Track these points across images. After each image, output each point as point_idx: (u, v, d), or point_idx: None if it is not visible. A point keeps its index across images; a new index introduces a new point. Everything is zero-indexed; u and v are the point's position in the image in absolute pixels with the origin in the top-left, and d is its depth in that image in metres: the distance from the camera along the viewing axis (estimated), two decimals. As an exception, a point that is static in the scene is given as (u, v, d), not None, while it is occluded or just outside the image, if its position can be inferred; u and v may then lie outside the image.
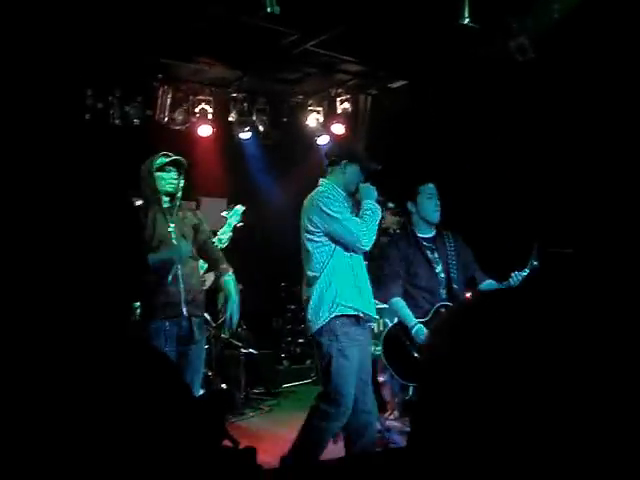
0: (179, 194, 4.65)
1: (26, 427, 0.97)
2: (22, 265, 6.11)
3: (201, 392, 5.06)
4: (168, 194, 4.62)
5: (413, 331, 4.81)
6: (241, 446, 1.50)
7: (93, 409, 0.99)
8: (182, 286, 4.44)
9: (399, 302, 4.91)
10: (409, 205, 5.09)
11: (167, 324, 4.38)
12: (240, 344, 7.18)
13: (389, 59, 6.83)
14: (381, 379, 6.63)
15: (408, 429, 5.73)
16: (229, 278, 4.65)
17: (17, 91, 6.13)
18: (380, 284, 4.94)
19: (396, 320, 5.07)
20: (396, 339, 5.01)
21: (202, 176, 6.66)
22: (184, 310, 4.43)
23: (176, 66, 7.00)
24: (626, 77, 5.55)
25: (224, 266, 4.70)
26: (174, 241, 4.51)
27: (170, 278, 4.42)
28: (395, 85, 7.60)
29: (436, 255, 5.02)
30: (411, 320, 4.85)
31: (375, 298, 4.60)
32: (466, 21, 5.37)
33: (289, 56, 6.65)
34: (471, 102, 6.70)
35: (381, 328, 6.23)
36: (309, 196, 4.51)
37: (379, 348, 6.15)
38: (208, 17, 5.74)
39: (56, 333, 1.06)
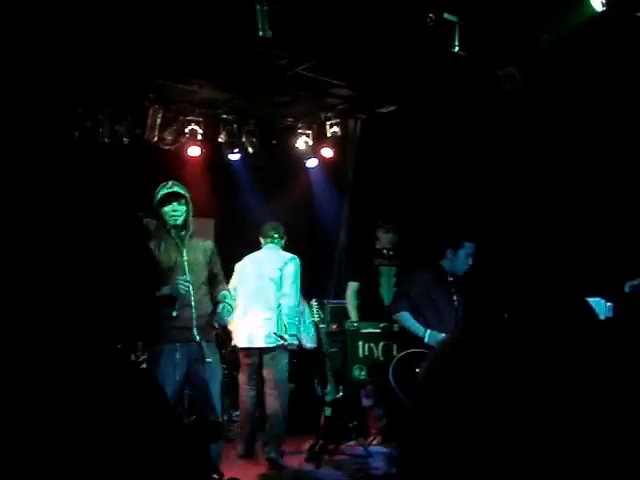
0: (188, 222, 4.81)
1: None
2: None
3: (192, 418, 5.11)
4: (175, 227, 4.77)
5: (427, 336, 5.31)
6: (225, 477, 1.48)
7: (73, 421, 0.97)
8: (194, 312, 4.63)
9: (405, 315, 5.48)
10: (448, 252, 5.57)
11: (178, 346, 4.57)
12: (224, 366, 7.11)
13: (379, 84, 6.87)
14: (366, 404, 6.61)
15: (392, 454, 5.71)
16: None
17: (8, 106, 6.12)
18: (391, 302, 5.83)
19: (404, 352, 5.40)
20: (406, 365, 5.27)
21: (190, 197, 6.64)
22: (196, 335, 4.60)
23: (167, 86, 6.99)
24: (613, 111, 5.62)
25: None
26: (186, 270, 4.68)
27: (177, 307, 4.61)
28: (385, 110, 7.63)
29: (454, 297, 5.56)
30: (421, 329, 5.38)
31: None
32: (456, 49, 5.42)
33: (280, 79, 6.68)
34: (459, 128, 6.75)
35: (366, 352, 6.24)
36: None
37: (364, 373, 6.15)
38: (200, 39, 5.75)
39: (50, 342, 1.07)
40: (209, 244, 5.05)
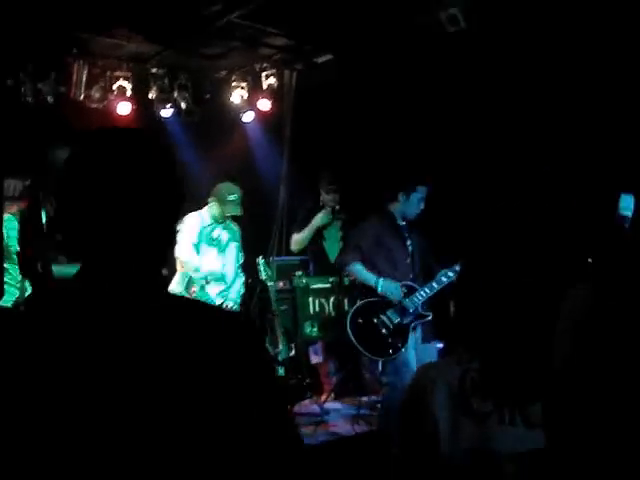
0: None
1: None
2: None
3: None
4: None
5: (380, 287, 5.21)
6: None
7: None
8: None
9: (358, 266, 5.32)
10: (400, 195, 5.39)
11: None
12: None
13: (315, 32, 6.62)
14: (314, 361, 6.51)
15: (348, 411, 5.62)
16: None
17: None
18: (339, 253, 5.73)
19: (359, 303, 5.36)
20: (364, 317, 5.28)
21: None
22: None
23: (91, 40, 6.58)
24: (557, 53, 5.52)
25: None
26: None
27: None
28: (321, 60, 7.38)
29: (409, 242, 5.45)
30: (373, 278, 5.25)
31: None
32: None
33: (212, 28, 6.35)
34: (400, 75, 6.57)
35: (317, 309, 6.15)
36: None
37: (315, 329, 6.03)
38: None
39: None
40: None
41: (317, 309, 6.22)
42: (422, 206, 5.40)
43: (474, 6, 5.59)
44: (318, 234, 6.80)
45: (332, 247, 6.74)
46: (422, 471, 1.69)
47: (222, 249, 6.20)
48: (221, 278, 6.14)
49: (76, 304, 1.28)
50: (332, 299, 6.22)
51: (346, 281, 6.13)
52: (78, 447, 1.17)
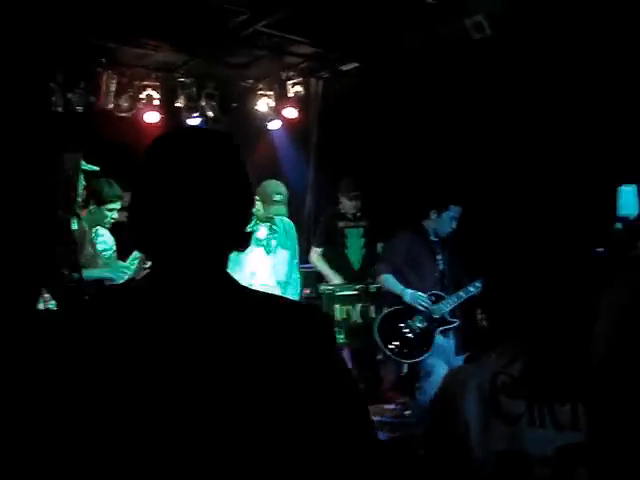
0: None
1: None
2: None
3: None
4: None
5: (409, 297, 5.36)
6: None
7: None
8: None
9: (389, 277, 5.49)
10: (432, 213, 5.51)
11: None
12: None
13: (341, 40, 6.65)
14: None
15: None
16: None
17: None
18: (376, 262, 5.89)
19: (386, 310, 5.55)
20: (391, 323, 5.46)
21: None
22: None
23: (120, 50, 6.69)
24: (580, 59, 5.48)
25: None
26: None
27: None
28: (347, 67, 7.41)
29: (439, 257, 5.55)
30: (403, 289, 5.40)
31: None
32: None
33: (238, 38, 6.41)
34: (425, 83, 6.56)
35: (344, 315, 6.17)
36: None
37: (342, 336, 6.04)
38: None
39: None
40: None
41: (344, 316, 6.22)
42: (454, 225, 5.47)
43: (500, 13, 5.58)
44: (341, 243, 6.80)
45: (355, 255, 6.75)
46: (451, 474, 1.69)
47: (270, 250, 5.88)
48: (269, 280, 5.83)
49: (147, 299, 1.29)
50: (359, 306, 6.22)
51: (372, 288, 6.14)
52: (150, 440, 1.18)
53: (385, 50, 6.55)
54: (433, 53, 6.21)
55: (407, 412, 5.23)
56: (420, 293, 5.39)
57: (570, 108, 5.64)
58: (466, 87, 6.21)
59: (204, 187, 1.30)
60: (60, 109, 6.65)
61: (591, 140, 5.53)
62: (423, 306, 5.35)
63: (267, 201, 5.70)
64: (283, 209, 5.84)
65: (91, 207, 5.31)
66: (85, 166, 5.08)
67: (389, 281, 5.49)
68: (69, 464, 1.17)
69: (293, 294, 5.86)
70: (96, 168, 5.17)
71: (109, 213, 5.29)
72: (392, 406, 5.66)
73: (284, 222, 5.99)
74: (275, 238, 5.92)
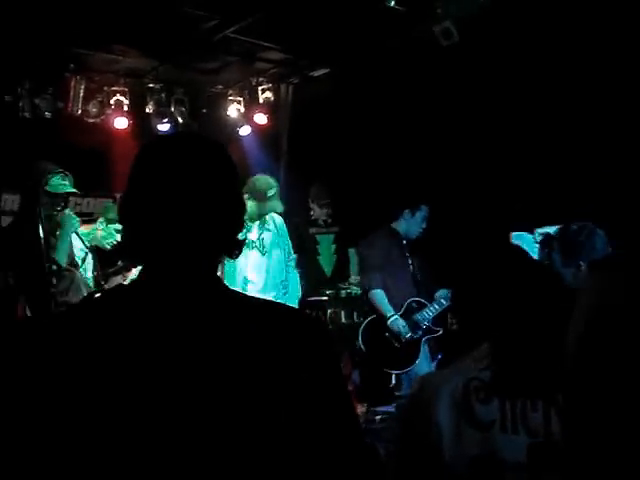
0: None
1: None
2: None
3: None
4: None
5: (390, 321, 5.22)
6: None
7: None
8: None
9: (380, 294, 5.29)
10: (406, 213, 5.44)
11: None
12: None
13: (311, 46, 6.66)
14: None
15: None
16: None
17: None
18: (361, 272, 5.63)
19: (370, 317, 5.40)
20: (376, 330, 5.33)
21: (119, 171, 6.35)
22: None
23: (88, 55, 6.63)
24: (549, 64, 5.55)
25: None
26: None
27: None
28: (317, 73, 7.43)
29: (410, 261, 5.49)
30: (390, 312, 5.25)
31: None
32: (392, 3, 5.25)
33: (208, 43, 6.39)
34: (394, 88, 6.60)
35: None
36: None
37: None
38: (120, 2, 5.43)
39: None
40: None
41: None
42: (424, 225, 5.45)
43: (467, 19, 5.62)
44: (313, 249, 6.81)
45: (326, 261, 6.76)
46: (422, 479, 1.70)
47: (264, 251, 5.60)
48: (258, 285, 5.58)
49: (138, 303, 1.28)
50: (329, 312, 6.23)
51: (343, 294, 6.16)
52: (146, 441, 1.17)
53: (355, 56, 6.57)
54: (403, 59, 6.25)
55: (378, 417, 5.23)
56: (402, 322, 5.24)
57: (541, 108, 5.71)
58: (435, 91, 6.26)
59: (197, 193, 1.30)
60: (27, 115, 6.57)
61: (559, 138, 5.61)
62: (401, 334, 5.22)
63: (260, 198, 5.45)
64: (279, 204, 5.60)
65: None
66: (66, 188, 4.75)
67: (378, 298, 5.31)
68: (66, 466, 1.17)
69: (293, 294, 5.64)
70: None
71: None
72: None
73: (274, 219, 5.67)
74: (268, 237, 5.62)
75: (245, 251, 5.29)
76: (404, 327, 5.23)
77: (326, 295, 6.28)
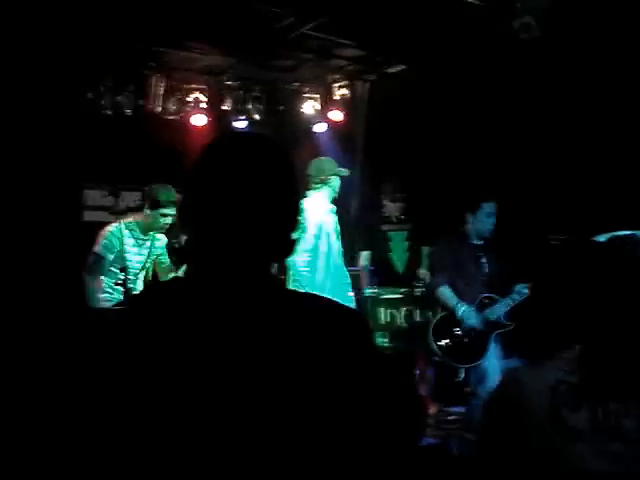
0: None
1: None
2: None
3: None
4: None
5: (460, 313, 5.27)
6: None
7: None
8: None
9: (447, 289, 5.37)
10: (467, 216, 5.44)
11: None
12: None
13: (387, 42, 6.62)
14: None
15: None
16: None
17: (6, 84, 5.94)
18: (431, 275, 5.76)
19: (441, 314, 5.43)
20: (446, 327, 5.36)
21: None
22: None
23: (168, 54, 6.78)
24: (628, 59, 5.37)
25: None
26: None
27: None
28: (393, 70, 7.38)
29: (484, 260, 5.44)
30: (459, 303, 5.31)
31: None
32: (470, -2, 5.17)
33: (284, 41, 6.44)
34: (472, 84, 6.50)
35: (388, 319, 6.12)
36: None
37: (387, 340, 6.01)
38: (200, 2, 5.52)
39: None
40: None
41: (388, 319, 6.18)
42: (493, 221, 5.38)
43: (548, 13, 5.48)
44: (385, 246, 6.76)
45: (399, 258, 6.70)
46: (508, 475, 1.64)
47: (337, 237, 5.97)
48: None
49: (187, 300, 1.30)
50: (403, 310, 6.18)
51: (417, 292, 6.10)
52: (188, 440, 1.19)
53: (431, 52, 6.50)
54: (480, 55, 6.14)
55: (450, 417, 5.18)
56: (473, 310, 5.28)
57: (620, 107, 5.53)
58: (513, 88, 6.13)
59: (255, 193, 1.32)
60: (109, 112, 6.76)
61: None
62: (472, 325, 5.27)
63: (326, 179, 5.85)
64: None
65: (146, 211, 5.10)
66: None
67: (445, 294, 5.39)
68: (129, 456, 1.20)
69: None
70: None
71: (162, 218, 5.04)
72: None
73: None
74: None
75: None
76: (475, 318, 5.26)
77: (400, 293, 6.23)
